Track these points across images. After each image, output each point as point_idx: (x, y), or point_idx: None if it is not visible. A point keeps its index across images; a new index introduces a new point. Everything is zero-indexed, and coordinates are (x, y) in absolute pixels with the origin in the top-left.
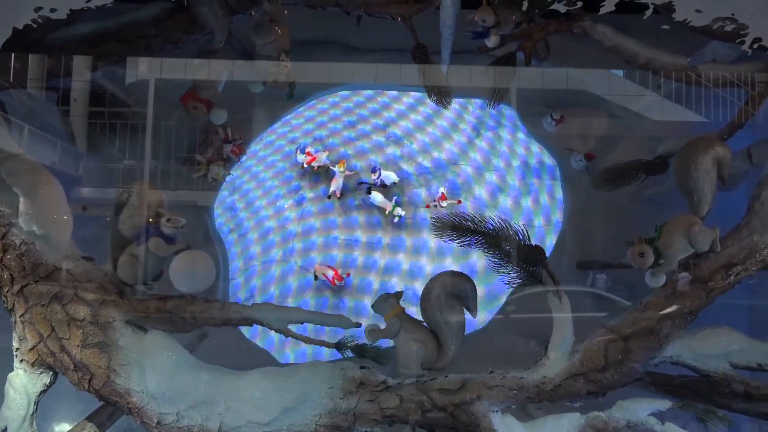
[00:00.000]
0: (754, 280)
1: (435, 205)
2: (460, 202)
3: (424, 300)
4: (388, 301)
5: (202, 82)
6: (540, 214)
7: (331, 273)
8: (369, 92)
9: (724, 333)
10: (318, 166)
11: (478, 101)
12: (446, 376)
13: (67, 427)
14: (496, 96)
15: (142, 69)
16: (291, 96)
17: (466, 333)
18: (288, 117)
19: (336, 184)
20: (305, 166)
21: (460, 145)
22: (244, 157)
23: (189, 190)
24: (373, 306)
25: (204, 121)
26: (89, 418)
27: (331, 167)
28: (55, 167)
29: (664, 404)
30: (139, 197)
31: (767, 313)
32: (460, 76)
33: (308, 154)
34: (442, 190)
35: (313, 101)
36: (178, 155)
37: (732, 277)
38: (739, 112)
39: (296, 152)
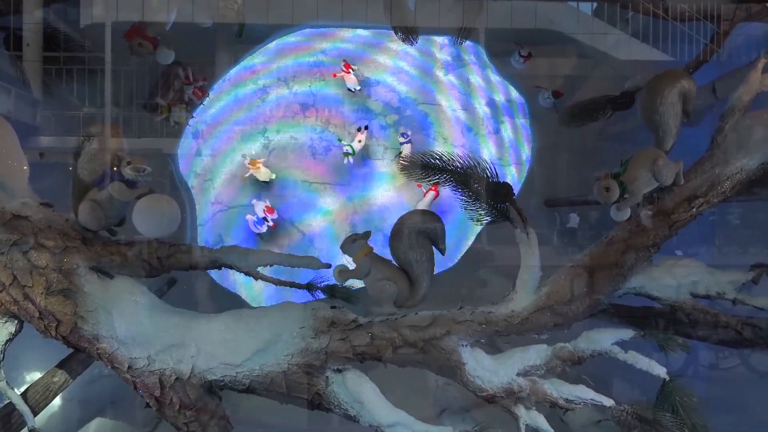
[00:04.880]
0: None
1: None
2: None
3: (394, 239)
4: (357, 242)
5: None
6: (508, 152)
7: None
8: (334, 29)
9: (685, 264)
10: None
11: (446, 39)
12: (416, 313)
13: (38, 375)
14: (463, 33)
15: (97, 11)
16: (240, 35)
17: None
18: (250, 58)
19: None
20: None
21: (428, 84)
22: (207, 99)
23: (153, 138)
24: (341, 247)
25: (150, 60)
26: (60, 366)
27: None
28: (10, 116)
29: (627, 334)
30: (97, 141)
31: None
32: (428, 12)
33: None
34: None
35: (275, 40)
36: (140, 101)
37: (694, 210)
38: (704, 47)
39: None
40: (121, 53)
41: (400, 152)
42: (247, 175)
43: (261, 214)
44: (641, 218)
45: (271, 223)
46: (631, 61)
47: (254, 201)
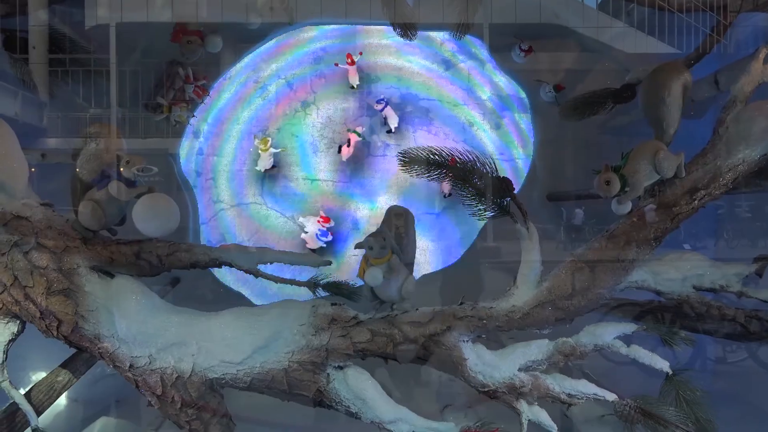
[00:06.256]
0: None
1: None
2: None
3: (405, 237)
4: (385, 242)
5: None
6: (509, 147)
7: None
8: (335, 27)
9: (688, 257)
10: None
11: (447, 34)
12: (417, 309)
13: (43, 374)
14: (462, 28)
15: (102, 12)
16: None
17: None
18: (251, 56)
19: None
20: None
21: (429, 79)
22: (207, 98)
23: (158, 138)
24: (371, 251)
25: (148, 60)
26: (63, 365)
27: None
28: (17, 118)
29: (629, 328)
30: (95, 141)
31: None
32: (427, 8)
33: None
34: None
35: (276, 38)
36: (144, 102)
37: (696, 202)
38: (706, 38)
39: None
40: (126, 54)
41: (386, 117)
42: (265, 165)
43: (318, 226)
44: (645, 214)
45: (329, 233)
46: (636, 54)
47: (300, 219)
